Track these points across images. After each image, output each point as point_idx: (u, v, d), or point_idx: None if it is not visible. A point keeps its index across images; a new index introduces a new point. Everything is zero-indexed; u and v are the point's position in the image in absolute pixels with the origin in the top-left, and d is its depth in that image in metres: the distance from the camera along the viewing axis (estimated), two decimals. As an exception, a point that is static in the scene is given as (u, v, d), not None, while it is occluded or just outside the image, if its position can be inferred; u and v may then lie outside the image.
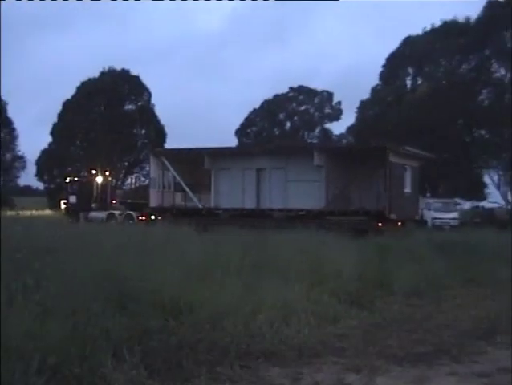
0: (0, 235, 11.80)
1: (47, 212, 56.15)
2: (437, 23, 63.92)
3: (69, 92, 74.91)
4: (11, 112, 79.53)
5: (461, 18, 62.37)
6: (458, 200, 55.20)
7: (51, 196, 68.93)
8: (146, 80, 76.15)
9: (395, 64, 66.46)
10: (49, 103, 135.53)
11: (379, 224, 29.77)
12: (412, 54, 64.08)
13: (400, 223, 31.07)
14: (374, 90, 68.67)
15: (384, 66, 67.66)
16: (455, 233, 30.49)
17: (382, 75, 67.99)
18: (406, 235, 26.02)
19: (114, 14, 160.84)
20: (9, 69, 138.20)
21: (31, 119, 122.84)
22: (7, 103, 79.04)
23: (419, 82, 66.45)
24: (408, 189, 33.63)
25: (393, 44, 75.37)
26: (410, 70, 67.39)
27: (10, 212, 32.08)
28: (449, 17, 63.80)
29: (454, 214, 47.45)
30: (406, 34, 67.00)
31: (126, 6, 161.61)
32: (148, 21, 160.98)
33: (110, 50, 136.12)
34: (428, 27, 64.63)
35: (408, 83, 67.77)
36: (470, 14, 61.68)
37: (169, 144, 70.57)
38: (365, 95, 69.73)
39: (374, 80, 69.23)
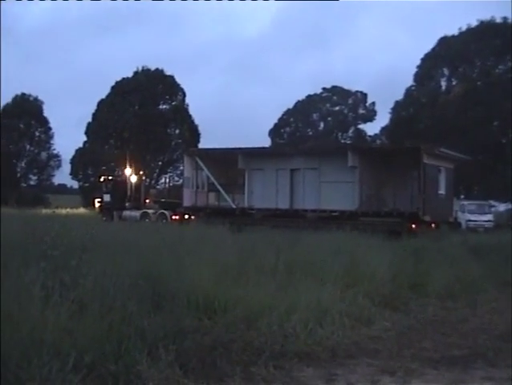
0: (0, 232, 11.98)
1: (81, 210, 56.68)
2: (474, 23, 63.33)
3: (104, 92, 75.75)
4: (47, 111, 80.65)
5: (498, 18, 61.71)
6: (493, 202, 54.49)
7: (85, 195, 69.61)
8: (184, 81, 76.89)
9: (430, 65, 65.94)
10: (86, 103, 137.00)
11: (413, 226, 29.53)
12: (447, 54, 63.53)
13: (433, 225, 30.78)
14: (408, 91, 68.20)
15: (418, 66, 67.19)
16: (490, 236, 30.12)
17: (416, 76, 67.48)
18: (440, 237, 25.75)
19: (158, 16, 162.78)
20: (47, 69, 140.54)
21: (67, 119, 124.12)
22: (43, 102, 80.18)
23: (454, 83, 65.82)
24: (442, 191, 33.31)
25: (429, 44, 74.68)
26: (445, 71, 66.79)
27: (45, 211, 32.46)
28: (486, 17, 63.15)
29: (489, 216, 46.86)
30: (442, 35, 66.56)
31: (170, 8, 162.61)
32: (192, 24, 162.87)
33: (152, 53, 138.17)
34: (464, 27, 64.09)
35: (443, 83, 67.16)
36: (507, 14, 60.99)
37: (203, 144, 70.95)
38: (399, 95, 69.35)
39: (408, 81, 68.84)
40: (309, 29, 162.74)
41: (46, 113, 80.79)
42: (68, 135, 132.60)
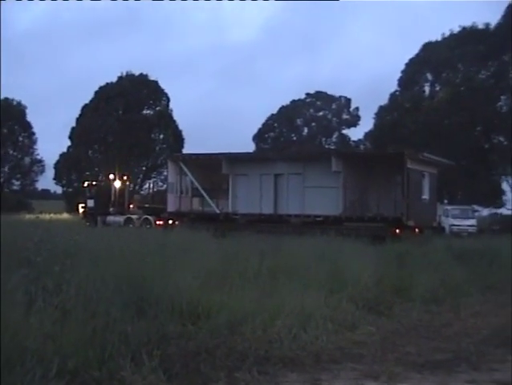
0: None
1: (65, 215, 56.48)
2: (456, 29, 63.81)
3: (88, 97, 75.52)
4: (31, 116, 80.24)
5: (480, 24, 62.23)
6: (476, 206, 54.91)
7: (69, 200, 69.40)
8: (169, 87, 76.77)
9: (414, 70, 66.30)
10: (72, 107, 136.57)
11: (397, 231, 29.66)
12: (430, 59, 63.90)
13: (417, 230, 30.93)
14: (392, 96, 68.50)
15: (402, 71, 67.52)
16: (473, 240, 30.28)
17: (401, 81, 67.82)
18: (424, 242, 25.90)
19: (146, 21, 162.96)
20: (31, 73, 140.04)
21: (52, 123, 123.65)
22: (27, 106, 79.78)
23: (437, 88, 66.23)
24: (425, 196, 33.47)
25: (413, 50, 75.12)
26: (429, 76, 67.19)
27: (28, 216, 32.32)
28: (468, 23, 63.71)
29: (472, 221, 47.18)
30: (426, 40, 66.93)
31: (159, 13, 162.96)
32: (180, 29, 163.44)
33: (140, 58, 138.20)
34: (447, 33, 64.54)
35: (427, 88, 67.58)
36: (489, 20, 61.53)
37: (187, 149, 70.84)
38: (383, 101, 69.64)
39: (392, 86, 69.14)
40: (297, 34, 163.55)
41: (29, 118, 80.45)
42: (52, 140, 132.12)
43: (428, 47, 65.39)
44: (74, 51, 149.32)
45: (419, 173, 32.29)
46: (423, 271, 15.63)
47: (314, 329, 9.45)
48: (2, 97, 78.15)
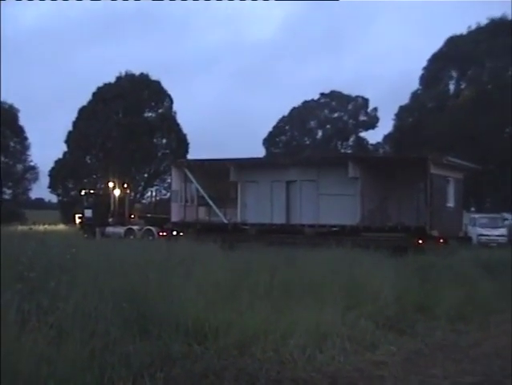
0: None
1: (61, 227, 56.49)
2: (483, 21, 63.53)
3: (86, 99, 75.62)
4: (23, 120, 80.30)
5: (510, 16, 61.93)
6: (506, 215, 54.57)
7: (65, 210, 69.30)
8: (174, 88, 76.74)
9: (437, 67, 66.14)
10: (66, 111, 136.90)
11: (420, 242, 29.56)
12: (455, 55, 63.66)
13: (442, 240, 30.80)
14: (414, 95, 68.39)
15: (425, 68, 67.34)
16: (503, 251, 30.10)
17: (423, 79, 67.66)
18: (449, 253, 25.78)
19: (159, 19, 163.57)
20: (23, 75, 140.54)
21: (47, 128, 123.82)
22: (19, 110, 79.90)
23: (463, 86, 66.05)
24: (451, 203, 33.36)
25: (436, 45, 74.89)
26: (453, 73, 67.02)
27: (21, 227, 32.39)
28: (497, 14, 63.36)
29: (502, 230, 46.82)
30: (450, 34, 66.66)
31: (172, 11, 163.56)
32: (193, 27, 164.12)
33: (146, 59, 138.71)
34: (474, 26, 64.27)
35: (451, 87, 67.43)
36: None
37: (192, 155, 70.85)
38: (404, 100, 69.51)
39: (414, 84, 69.01)
40: (316, 33, 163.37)
41: (22, 122, 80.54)
42: (47, 146, 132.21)
43: (452, 42, 65.21)
44: (74, 51, 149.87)
45: (443, 179, 32.20)
46: (448, 286, 15.56)
47: (330, 349, 9.44)
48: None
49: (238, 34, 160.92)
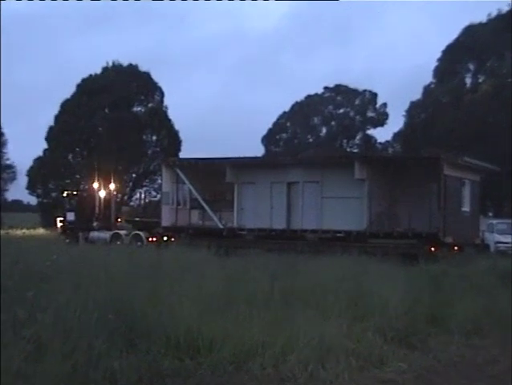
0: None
1: (41, 231, 56.49)
2: (505, 8, 63.34)
3: (69, 91, 75.43)
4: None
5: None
6: (527, 220, 54.58)
7: (45, 213, 69.22)
8: (166, 81, 76.56)
9: (452, 58, 65.97)
10: (47, 105, 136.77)
11: (432, 249, 29.61)
12: (473, 45, 63.46)
13: (456, 247, 30.85)
14: (426, 89, 68.32)
15: (439, 60, 67.19)
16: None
17: (437, 72, 67.53)
18: (464, 262, 25.80)
19: (151, 11, 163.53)
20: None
21: (24, 123, 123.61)
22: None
23: (480, 79, 65.97)
24: (466, 208, 33.41)
25: (452, 34, 74.73)
26: (470, 66, 66.94)
27: (-3, 232, 32.38)
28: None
29: (522, 237, 46.86)
30: (467, 22, 66.42)
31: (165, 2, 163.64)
32: (192, 18, 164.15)
33: (140, 50, 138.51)
34: (494, 13, 64.05)
35: (468, 80, 67.29)
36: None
37: (185, 153, 70.54)
38: (415, 95, 69.44)
39: (427, 78, 68.92)
40: (323, 23, 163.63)
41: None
42: (25, 142, 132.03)
43: (470, 31, 65.00)
44: (57, 39, 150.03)
45: (458, 181, 32.25)
46: (463, 297, 15.55)
47: (334, 365, 9.43)
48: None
49: (239, 23, 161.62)
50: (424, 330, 12.94)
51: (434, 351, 11.70)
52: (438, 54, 67.29)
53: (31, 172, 75.28)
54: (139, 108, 77.15)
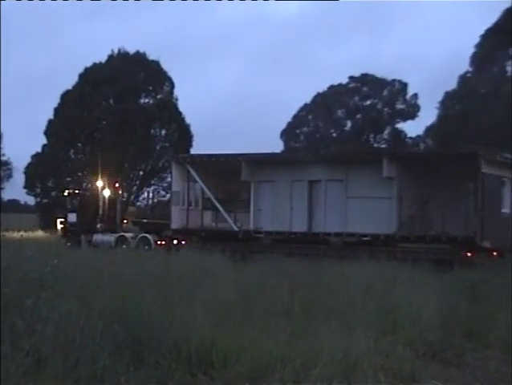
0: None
1: (39, 233, 56.70)
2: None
3: (70, 81, 75.56)
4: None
5: None
6: None
7: (45, 214, 69.57)
8: (177, 71, 76.42)
9: (492, 44, 65.45)
10: (46, 96, 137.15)
11: (469, 255, 29.48)
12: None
13: (495, 253, 30.66)
14: (463, 78, 68.01)
15: (477, 46, 66.78)
16: None
17: (474, 59, 67.15)
18: (505, 269, 25.68)
19: None
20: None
21: (21, 116, 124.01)
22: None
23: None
24: (506, 209, 33.20)
25: (491, 17, 74.32)
26: (511, 52, 66.52)
27: (-8, 234, 32.50)
28: None
29: None
30: (509, 3, 65.92)
31: None
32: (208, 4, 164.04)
33: (148, 34, 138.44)
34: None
35: (509, 68, 66.86)
36: None
37: (197, 149, 70.76)
38: (450, 85, 69.15)
39: (463, 66, 68.58)
40: (349, 8, 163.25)
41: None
42: (23, 137, 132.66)
43: (510, 14, 64.56)
44: (58, 26, 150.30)
45: (497, 179, 32.05)
46: (503, 308, 15.47)
47: (360, 381, 9.41)
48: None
49: (258, 7, 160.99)
50: (460, 345, 12.89)
51: (471, 368, 11.65)
52: (476, 40, 66.99)
53: (29, 170, 75.51)
54: (147, 100, 77.32)
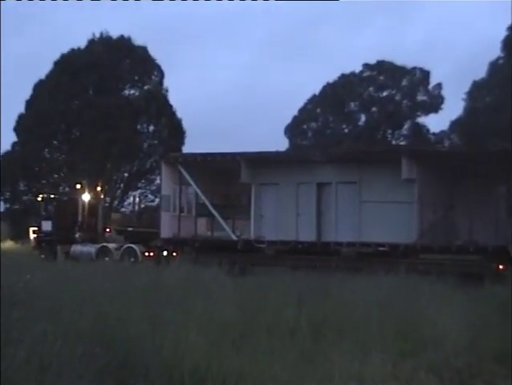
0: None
1: (9, 244, 56.75)
2: None
3: (44, 70, 75.41)
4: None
5: None
6: None
7: (15, 222, 69.43)
8: (168, 57, 76.08)
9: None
10: (16, 86, 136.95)
11: (500, 267, 29.46)
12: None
13: (531, 265, 30.72)
14: (493, 66, 68.00)
15: (509, 29, 66.79)
16: None
17: (506, 44, 67.11)
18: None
19: None
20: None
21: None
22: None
23: None
24: (543, 215, 33.27)
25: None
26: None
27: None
28: None
29: None
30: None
31: None
32: None
33: (134, 17, 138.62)
34: None
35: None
36: None
37: (190, 147, 70.66)
38: (479, 73, 69.13)
39: (494, 52, 68.56)
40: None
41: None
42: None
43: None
44: (31, 7, 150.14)
45: (533, 181, 32.10)
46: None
47: (377, 412, 9.45)
48: None
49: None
50: (490, 370, 12.90)
51: (503, 396, 11.70)
52: (508, 21, 66.97)
53: (-4, 172, 75.47)
54: (132, 91, 77.04)
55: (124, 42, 75.65)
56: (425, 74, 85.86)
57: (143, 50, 75.72)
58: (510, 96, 61.81)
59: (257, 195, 36.22)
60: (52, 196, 48.39)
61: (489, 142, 49.05)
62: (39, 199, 47.32)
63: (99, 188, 47.10)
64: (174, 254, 35.72)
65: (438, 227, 32.50)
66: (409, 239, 31.88)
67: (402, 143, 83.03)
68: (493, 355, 13.62)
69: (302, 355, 10.68)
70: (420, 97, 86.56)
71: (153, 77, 76.81)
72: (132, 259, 38.81)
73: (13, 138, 74.56)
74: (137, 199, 74.67)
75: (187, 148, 69.78)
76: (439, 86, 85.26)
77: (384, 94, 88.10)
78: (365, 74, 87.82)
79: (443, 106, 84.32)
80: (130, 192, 76.01)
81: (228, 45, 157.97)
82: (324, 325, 12.94)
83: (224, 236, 36.87)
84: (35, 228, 46.32)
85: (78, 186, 46.08)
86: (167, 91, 76.92)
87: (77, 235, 43.79)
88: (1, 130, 79.54)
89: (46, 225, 44.81)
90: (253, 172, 35.95)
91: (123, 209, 71.40)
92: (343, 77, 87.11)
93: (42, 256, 39.68)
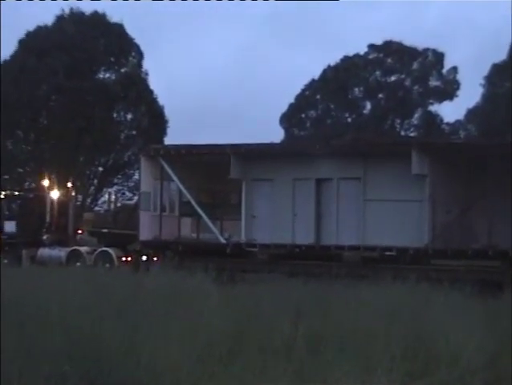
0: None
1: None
2: None
3: (7, 50, 75.24)
4: None
5: None
6: None
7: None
8: (148, 36, 75.86)
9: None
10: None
11: (523, 274, 29.55)
12: None
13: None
14: (514, 48, 68.20)
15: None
16: None
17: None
18: None
19: None
20: None
21: None
22: None
23: None
24: None
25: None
26: None
27: None
28: None
29: None
30: None
31: None
32: None
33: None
34: None
35: None
36: None
37: (172, 138, 70.75)
38: (499, 56, 69.24)
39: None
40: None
41: None
42: None
43: None
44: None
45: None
46: None
47: None
48: None
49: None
50: (511, 390, 12.93)
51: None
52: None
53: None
54: (107, 74, 76.91)
55: (98, 19, 75.39)
56: (439, 57, 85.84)
57: (119, 27, 75.40)
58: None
59: (248, 192, 36.17)
60: (16, 192, 48.35)
61: (510, 133, 49.11)
62: (1, 196, 47.19)
63: (69, 184, 47.10)
64: (155, 259, 35.73)
65: (452, 229, 32.50)
66: (420, 242, 31.88)
67: (412, 134, 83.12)
68: (514, 374, 13.65)
69: (297, 375, 10.67)
70: (433, 82, 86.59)
71: (131, 58, 76.56)
72: (107, 264, 38.77)
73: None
74: (113, 197, 74.39)
75: (169, 140, 69.96)
76: (454, 70, 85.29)
77: (392, 78, 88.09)
78: (371, 57, 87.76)
79: (458, 92, 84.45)
80: (105, 189, 75.94)
81: (218, 21, 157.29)
82: (323, 341, 12.94)
83: (211, 238, 36.88)
84: (-3, 230, 46.32)
85: (45, 182, 46.02)
86: (147, 74, 76.88)
87: (45, 237, 43.77)
88: None
89: (10, 226, 44.73)
90: (244, 166, 35.91)
91: (96, 208, 71.25)
92: (345, 59, 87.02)
93: (5, 261, 39.57)
